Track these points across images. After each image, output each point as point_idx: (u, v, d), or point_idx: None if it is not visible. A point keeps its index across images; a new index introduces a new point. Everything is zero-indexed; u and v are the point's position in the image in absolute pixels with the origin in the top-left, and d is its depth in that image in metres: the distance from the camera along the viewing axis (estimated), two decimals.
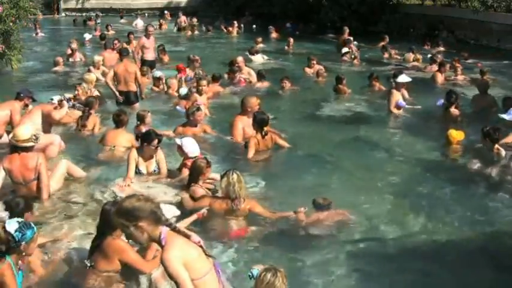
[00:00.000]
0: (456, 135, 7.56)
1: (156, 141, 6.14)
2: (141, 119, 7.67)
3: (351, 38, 16.43)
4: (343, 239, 5.25)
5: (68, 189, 6.05)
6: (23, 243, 3.79)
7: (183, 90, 10.04)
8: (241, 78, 11.79)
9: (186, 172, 5.94)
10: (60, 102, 7.62)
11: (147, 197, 3.19)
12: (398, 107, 9.30)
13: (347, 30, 16.95)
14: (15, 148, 5.64)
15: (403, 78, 9.49)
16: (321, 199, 5.43)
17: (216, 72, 11.62)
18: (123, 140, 7.32)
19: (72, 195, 5.82)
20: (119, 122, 7.44)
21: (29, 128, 5.89)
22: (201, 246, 3.14)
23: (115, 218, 3.10)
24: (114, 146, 7.26)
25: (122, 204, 3.11)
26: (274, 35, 21.24)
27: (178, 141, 6.29)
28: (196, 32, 21.80)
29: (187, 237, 3.10)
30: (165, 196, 5.70)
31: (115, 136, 7.37)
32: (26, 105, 7.76)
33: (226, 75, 11.89)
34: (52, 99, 7.67)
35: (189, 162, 5.96)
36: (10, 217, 4.43)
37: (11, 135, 5.91)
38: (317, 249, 5.03)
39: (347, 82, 11.62)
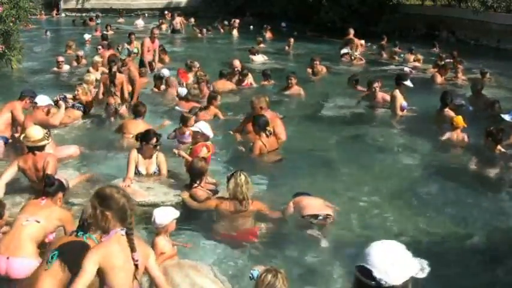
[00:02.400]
0: (460, 121, 7.74)
1: (154, 139, 6.16)
2: (184, 121, 7.53)
3: (354, 39, 16.37)
4: (345, 239, 5.25)
5: (68, 188, 6.05)
6: None
7: (183, 91, 10.04)
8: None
9: (204, 151, 6.22)
10: (56, 103, 7.56)
11: (129, 196, 3.33)
12: (401, 108, 9.28)
13: (352, 31, 16.66)
14: (29, 148, 5.77)
15: (409, 82, 9.43)
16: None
17: (217, 71, 11.70)
18: (142, 130, 7.37)
19: (72, 196, 5.81)
20: (137, 112, 7.82)
21: (40, 128, 5.96)
22: (136, 266, 3.19)
23: (92, 196, 3.29)
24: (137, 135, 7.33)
25: (104, 188, 3.33)
26: (268, 34, 21.19)
27: (195, 128, 6.51)
28: (205, 35, 21.69)
29: (132, 250, 3.18)
30: (165, 197, 5.69)
31: (135, 126, 7.59)
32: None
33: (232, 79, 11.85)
34: (36, 103, 7.31)
35: (207, 144, 6.36)
36: (44, 192, 4.62)
37: (22, 136, 5.97)
38: (319, 251, 5.03)
39: (346, 83, 11.66)
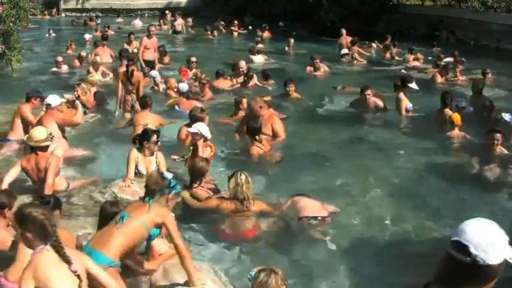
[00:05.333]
0: (458, 118, 7.91)
1: (154, 136, 6.18)
2: (197, 120, 7.44)
3: (354, 38, 16.48)
4: (345, 239, 5.25)
5: (67, 189, 6.05)
6: (173, 192, 4.22)
7: (184, 86, 10.11)
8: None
9: (208, 151, 6.27)
10: (72, 103, 7.59)
11: (47, 212, 3.28)
12: (406, 110, 9.28)
13: (344, 32, 17.07)
14: (32, 148, 5.83)
15: (414, 85, 9.35)
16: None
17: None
18: (152, 120, 7.91)
19: (72, 196, 5.82)
20: (145, 104, 8.18)
21: (44, 128, 6.04)
22: (78, 276, 3.12)
23: (13, 215, 3.37)
24: (146, 124, 7.52)
25: (22, 208, 3.26)
26: (266, 34, 21.06)
27: (194, 129, 6.45)
28: (217, 36, 21.67)
29: (68, 263, 3.09)
30: None
31: (145, 117, 7.95)
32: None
33: (235, 80, 11.76)
34: (50, 105, 7.32)
35: (211, 144, 6.38)
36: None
37: (26, 136, 6.03)
38: (319, 251, 5.04)
39: (345, 83, 11.65)
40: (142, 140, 6.23)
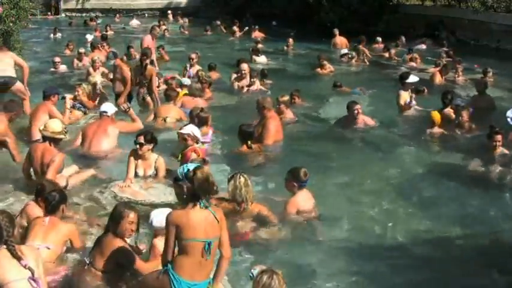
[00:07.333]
0: (437, 117, 8.23)
1: (137, 138, 6.12)
2: (205, 121, 7.49)
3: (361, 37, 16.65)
4: (346, 241, 5.28)
5: (67, 189, 6.05)
6: None
7: (186, 80, 10.31)
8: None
9: (194, 156, 6.07)
10: (128, 109, 7.65)
11: (8, 219, 3.65)
12: (405, 106, 9.29)
13: (337, 32, 17.75)
14: (44, 138, 5.95)
15: (412, 78, 9.44)
16: (302, 172, 5.40)
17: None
18: (174, 112, 8.60)
19: (72, 196, 5.82)
20: (168, 97, 8.89)
21: (60, 122, 6.24)
22: (30, 268, 3.54)
23: None
24: (166, 117, 8.32)
25: None
26: (256, 34, 20.71)
27: (187, 130, 6.30)
28: (237, 36, 21.59)
29: (18, 259, 3.54)
30: (165, 197, 5.70)
31: (167, 109, 8.63)
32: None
33: (236, 84, 11.52)
34: (106, 112, 7.27)
35: (196, 148, 6.21)
36: (47, 211, 4.62)
37: (42, 127, 6.09)
38: (318, 251, 5.05)
39: (344, 83, 11.65)
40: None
